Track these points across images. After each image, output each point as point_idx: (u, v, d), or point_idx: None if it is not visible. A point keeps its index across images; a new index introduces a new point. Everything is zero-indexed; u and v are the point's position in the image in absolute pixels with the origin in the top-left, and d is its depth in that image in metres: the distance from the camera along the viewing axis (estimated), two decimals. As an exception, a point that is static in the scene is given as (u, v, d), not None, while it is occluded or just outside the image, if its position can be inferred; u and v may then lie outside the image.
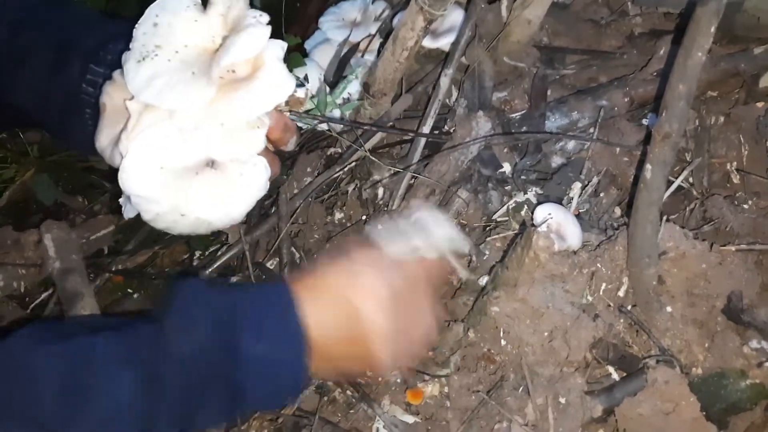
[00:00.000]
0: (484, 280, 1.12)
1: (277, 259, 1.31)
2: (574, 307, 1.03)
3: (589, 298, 1.05)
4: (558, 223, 1.06)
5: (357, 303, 0.70)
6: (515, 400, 1.02)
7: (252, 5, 0.77)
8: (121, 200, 0.82)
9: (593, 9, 1.43)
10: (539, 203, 1.11)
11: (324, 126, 1.18)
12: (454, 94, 1.30)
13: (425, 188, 1.21)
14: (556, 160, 1.23)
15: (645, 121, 1.25)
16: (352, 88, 1.29)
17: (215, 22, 0.76)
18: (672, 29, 1.33)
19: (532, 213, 1.08)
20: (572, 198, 1.15)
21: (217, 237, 1.49)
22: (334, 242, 1.22)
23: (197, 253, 1.51)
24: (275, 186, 1.34)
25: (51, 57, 0.83)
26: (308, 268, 0.76)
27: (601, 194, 1.17)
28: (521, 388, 1.03)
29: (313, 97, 1.11)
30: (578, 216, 1.13)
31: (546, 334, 1.03)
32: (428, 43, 1.29)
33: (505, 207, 1.17)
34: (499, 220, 1.18)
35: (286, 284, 0.71)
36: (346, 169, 1.30)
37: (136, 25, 0.76)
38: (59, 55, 0.82)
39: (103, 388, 0.60)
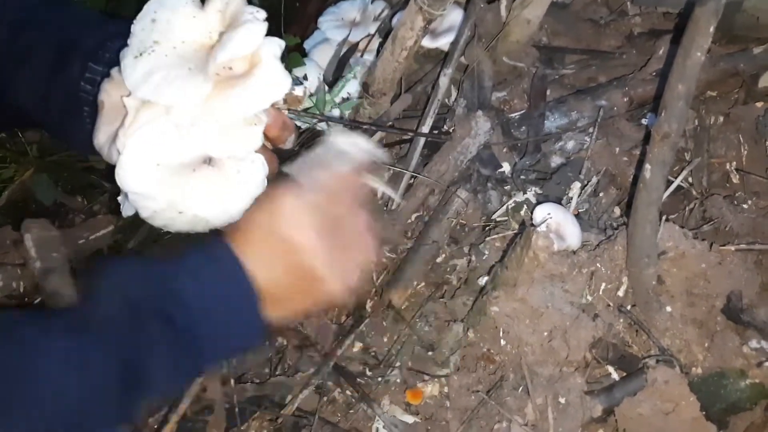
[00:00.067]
0: (483, 280, 1.12)
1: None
2: (573, 307, 1.02)
3: (589, 297, 1.05)
4: (557, 223, 1.06)
5: (287, 234, 0.69)
6: (515, 400, 1.02)
7: (250, 2, 0.77)
8: (119, 198, 0.82)
9: (592, 9, 1.43)
10: (538, 203, 1.11)
11: (323, 125, 1.18)
12: (454, 93, 1.30)
13: (425, 188, 1.21)
14: (556, 160, 1.23)
15: (644, 121, 1.25)
16: (351, 87, 1.29)
17: (213, 18, 0.76)
18: (671, 29, 1.33)
19: (532, 213, 1.08)
20: (571, 198, 1.15)
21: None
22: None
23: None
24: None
25: (51, 57, 0.83)
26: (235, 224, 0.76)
27: (601, 194, 1.17)
28: (521, 388, 1.03)
29: (311, 95, 1.11)
30: (577, 216, 1.13)
31: (545, 333, 1.02)
32: (427, 42, 1.29)
33: (504, 207, 1.17)
34: (498, 219, 1.18)
35: (218, 239, 0.70)
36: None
37: (134, 21, 0.76)
38: (59, 55, 0.82)
39: (37, 362, 0.58)
